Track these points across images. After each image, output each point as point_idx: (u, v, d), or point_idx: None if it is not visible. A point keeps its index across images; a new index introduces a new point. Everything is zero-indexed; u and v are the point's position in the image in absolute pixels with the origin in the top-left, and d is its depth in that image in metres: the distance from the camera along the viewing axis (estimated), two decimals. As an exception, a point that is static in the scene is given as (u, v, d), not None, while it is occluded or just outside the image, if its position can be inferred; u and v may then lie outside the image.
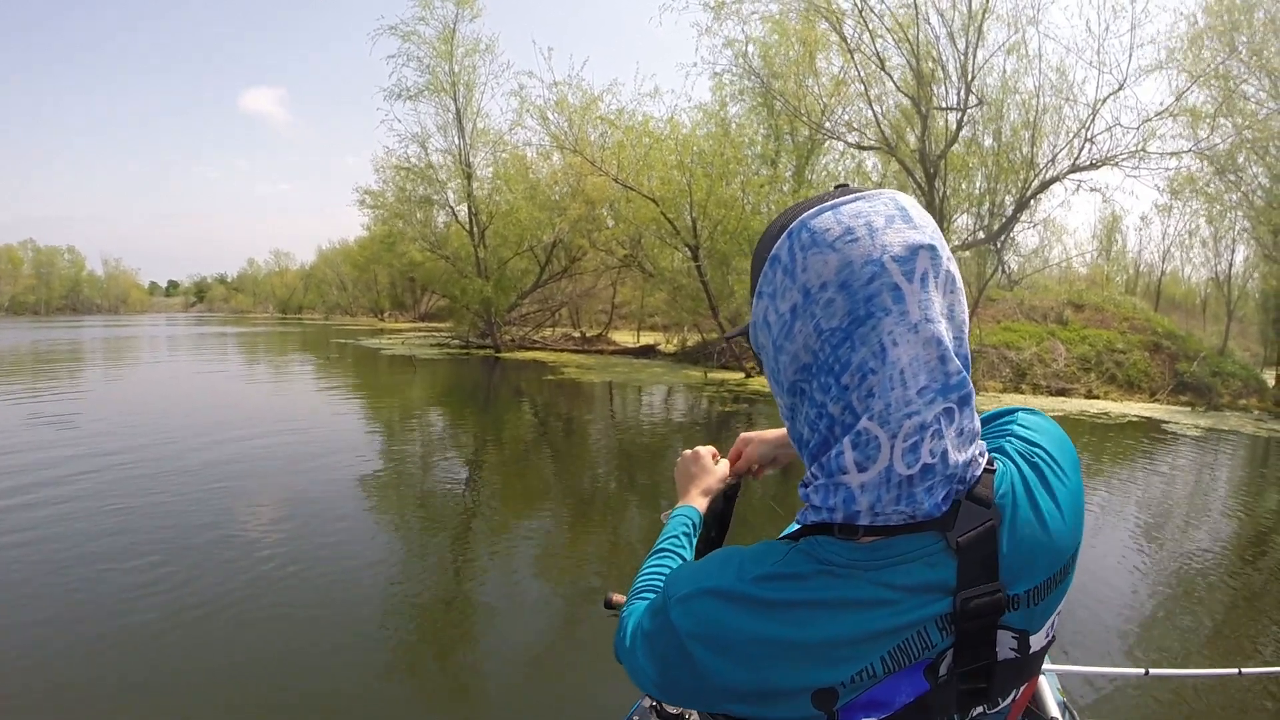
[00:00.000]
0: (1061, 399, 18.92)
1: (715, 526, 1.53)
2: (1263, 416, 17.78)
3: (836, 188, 0.93)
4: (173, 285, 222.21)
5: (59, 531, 6.66)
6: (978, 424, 0.90)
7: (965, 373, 0.87)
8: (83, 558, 6.03)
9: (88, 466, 9.10)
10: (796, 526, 1.59)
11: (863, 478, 0.85)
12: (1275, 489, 10.47)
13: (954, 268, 0.89)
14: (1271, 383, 21.23)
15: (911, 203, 0.90)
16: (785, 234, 0.90)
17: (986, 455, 0.91)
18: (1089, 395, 19.63)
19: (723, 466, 1.58)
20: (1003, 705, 0.96)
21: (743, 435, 1.61)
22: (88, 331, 48.80)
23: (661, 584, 1.20)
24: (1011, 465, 0.93)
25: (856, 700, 0.88)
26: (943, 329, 0.86)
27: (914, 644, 0.87)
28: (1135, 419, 16.27)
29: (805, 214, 0.89)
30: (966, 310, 0.92)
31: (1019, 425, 1.01)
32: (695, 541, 1.43)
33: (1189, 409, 18.40)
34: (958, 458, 0.86)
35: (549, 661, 4.65)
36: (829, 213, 0.88)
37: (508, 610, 5.40)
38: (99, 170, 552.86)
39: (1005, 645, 0.91)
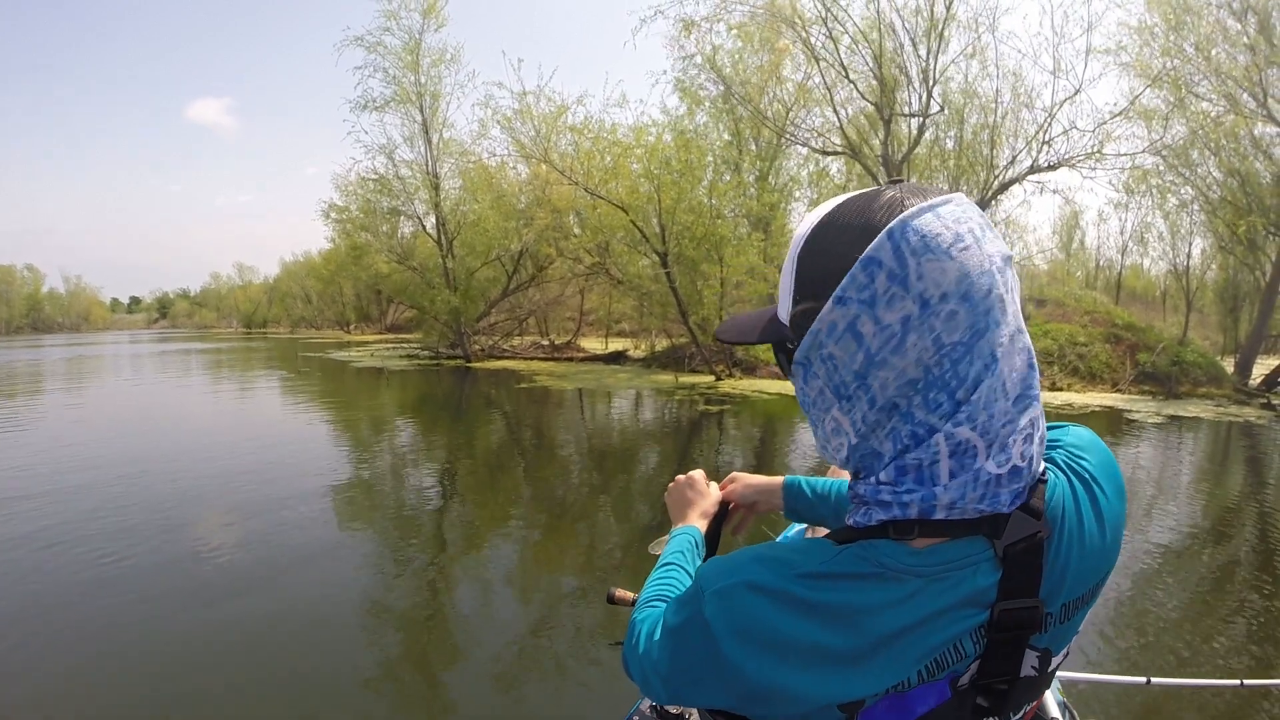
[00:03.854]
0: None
1: (707, 547, 1.53)
2: (1222, 403, 18.16)
3: (892, 182, 0.88)
4: (135, 301, 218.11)
5: (20, 549, 6.65)
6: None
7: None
8: (49, 575, 6.01)
9: (48, 491, 8.97)
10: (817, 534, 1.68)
11: (950, 483, 0.84)
12: (1242, 477, 10.75)
13: None
14: (1230, 370, 21.68)
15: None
16: (886, 235, 0.81)
17: (1042, 465, 0.90)
18: (1053, 387, 19.96)
19: (715, 490, 1.61)
20: (1015, 718, 0.95)
21: (733, 474, 1.66)
22: (49, 352, 47.77)
23: (674, 591, 1.25)
24: (1061, 478, 0.92)
25: (878, 704, 0.87)
26: (1029, 337, 0.87)
27: (949, 655, 0.86)
28: (1098, 409, 16.60)
29: (903, 214, 0.82)
30: None
31: (1069, 439, 0.99)
32: (700, 561, 1.41)
33: (1150, 398, 18.79)
34: (1039, 460, 0.87)
35: (535, 666, 4.57)
36: (929, 213, 0.82)
37: (488, 619, 5.36)
38: (48, 184, 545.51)
39: (1028, 664, 0.90)
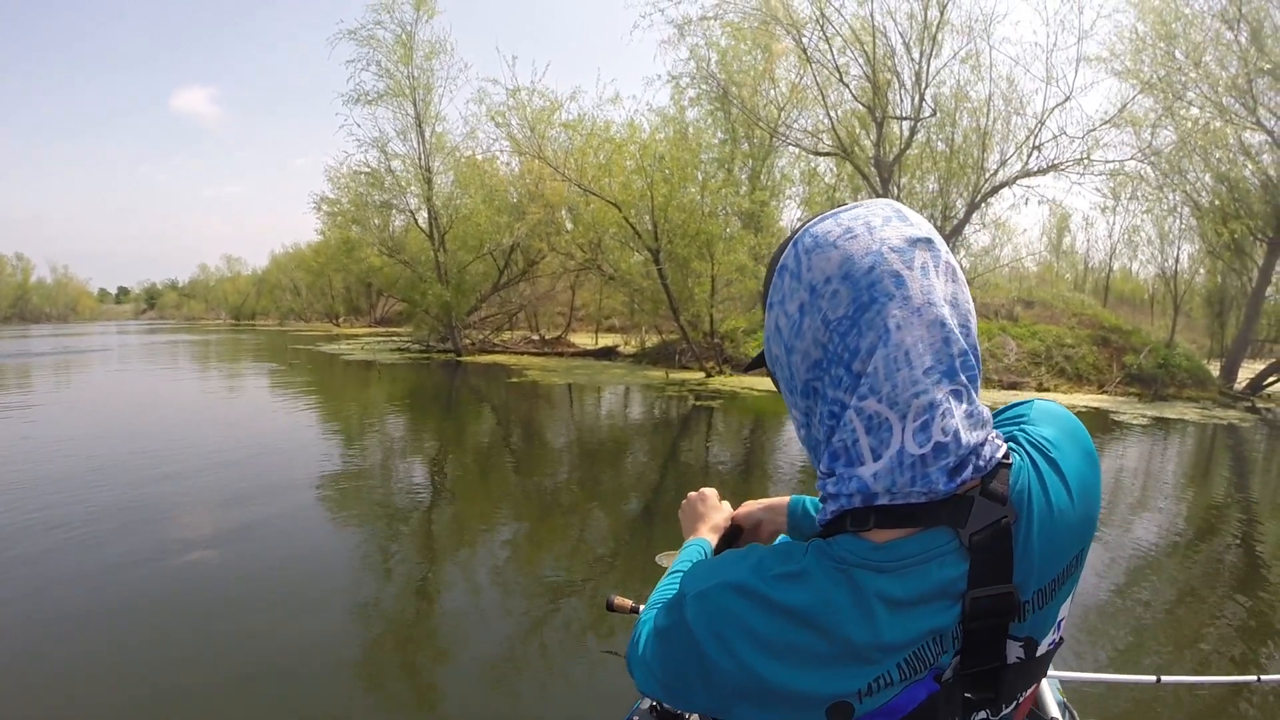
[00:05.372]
0: (1013, 392, 19.30)
1: None
2: (1207, 406, 18.31)
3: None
4: (123, 292, 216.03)
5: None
6: (987, 412, 0.91)
7: (970, 355, 0.88)
8: (30, 585, 5.74)
9: (31, 484, 8.94)
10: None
11: (876, 466, 0.86)
12: (1227, 477, 10.89)
13: (954, 261, 0.91)
14: (1216, 374, 21.84)
15: (906, 208, 0.92)
16: (791, 244, 0.93)
17: (1004, 448, 0.91)
18: (1040, 388, 20.07)
19: (727, 507, 1.62)
20: (1007, 711, 0.95)
21: (746, 502, 1.66)
22: (35, 344, 47.37)
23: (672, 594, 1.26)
24: (1026, 458, 0.92)
25: (871, 712, 0.87)
26: (946, 312, 0.87)
27: (928, 650, 0.86)
28: (1084, 409, 16.69)
29: (807, 225, 0.93)
30: (971, 302, 0.92)
31: (1032, 413, 1.00)
32: None
33: (1137, 400, 18.94)
34: (970, 439, 0.86)
35: (528, 665, 4.56)
36: (829, 219, 0.91)
37: (478, 616, 5.31)
38: (36, 173, 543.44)
39: (1013, 653, 0.91)
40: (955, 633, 0.87)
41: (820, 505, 0.95)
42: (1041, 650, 0.94)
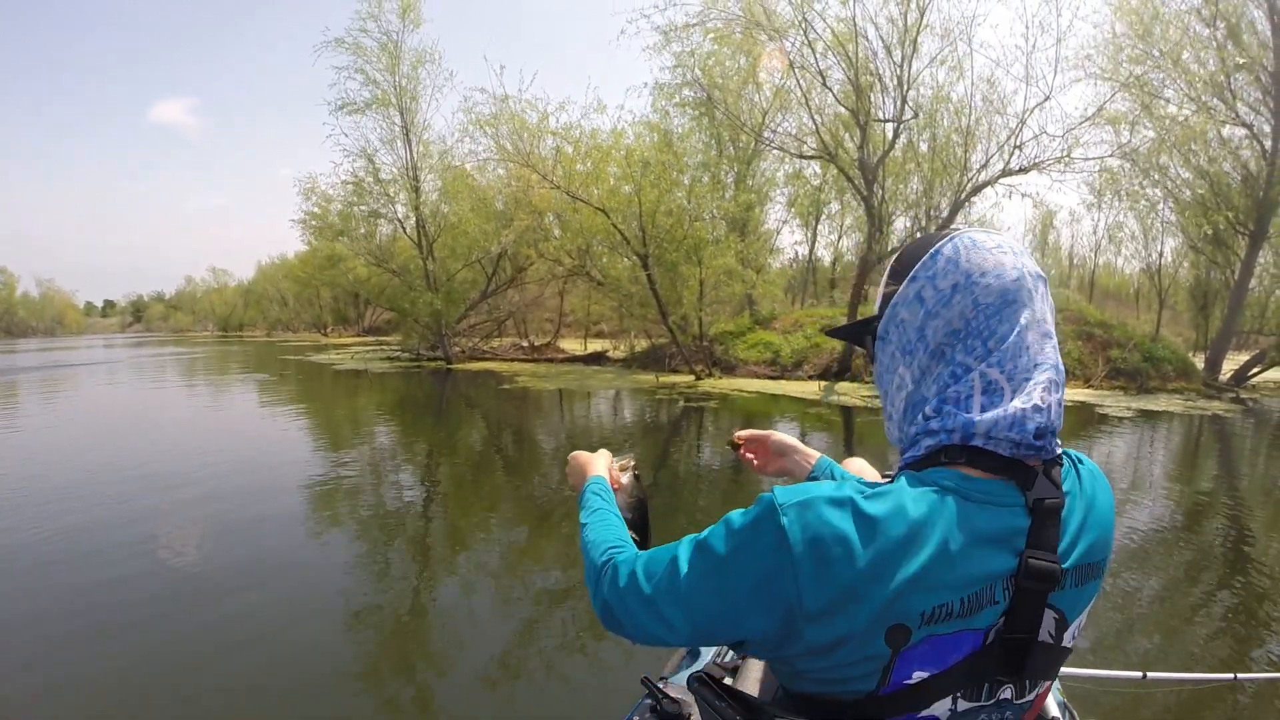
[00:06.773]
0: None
1: (636, 531, 1.54)
2: (1191, 397, 18.50)
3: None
4: (109, 305, 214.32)
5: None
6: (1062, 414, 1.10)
7: (1060, 370, 1.09)
8: (20, 595, 5.70)
9: (26, 495, 8.94)
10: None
11: (983, 415, 1.03)
12: (1213, 467, 11.01)
13: (1053, 303, 1.16)
14: (1201, 366, 22.04)
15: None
16: (948, 238, 1.13)
17: (1060, 450, 1.10)
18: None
19: (604, 453, 1.79)
20: (1028, 697, 1.08)
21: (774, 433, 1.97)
22: (23, 358, 47.14)
23: (622, 534, 1.38)
24: (1072, 466, 1.13)
25: (917, 648, 0.97)
26: (1054, 331, 1.11)
27: (985, 595, 0.97)
28: (1070, 404, 16.82)
29: (960, 230, 1.15)
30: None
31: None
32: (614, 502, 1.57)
33: (1122, 393, 19.12)
34: (1055, 420, 1.06)
35: (523, 667, 4.53)
36: (981, 232, 1.14)
37: (473, 620, 5.30)
38: (19, 187, 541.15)
39: (1046, 627, 1.04)
40: (1008, 584, 0.99)
41: (920, 434, 1.11)
42: (1066, 641, 1.09)
